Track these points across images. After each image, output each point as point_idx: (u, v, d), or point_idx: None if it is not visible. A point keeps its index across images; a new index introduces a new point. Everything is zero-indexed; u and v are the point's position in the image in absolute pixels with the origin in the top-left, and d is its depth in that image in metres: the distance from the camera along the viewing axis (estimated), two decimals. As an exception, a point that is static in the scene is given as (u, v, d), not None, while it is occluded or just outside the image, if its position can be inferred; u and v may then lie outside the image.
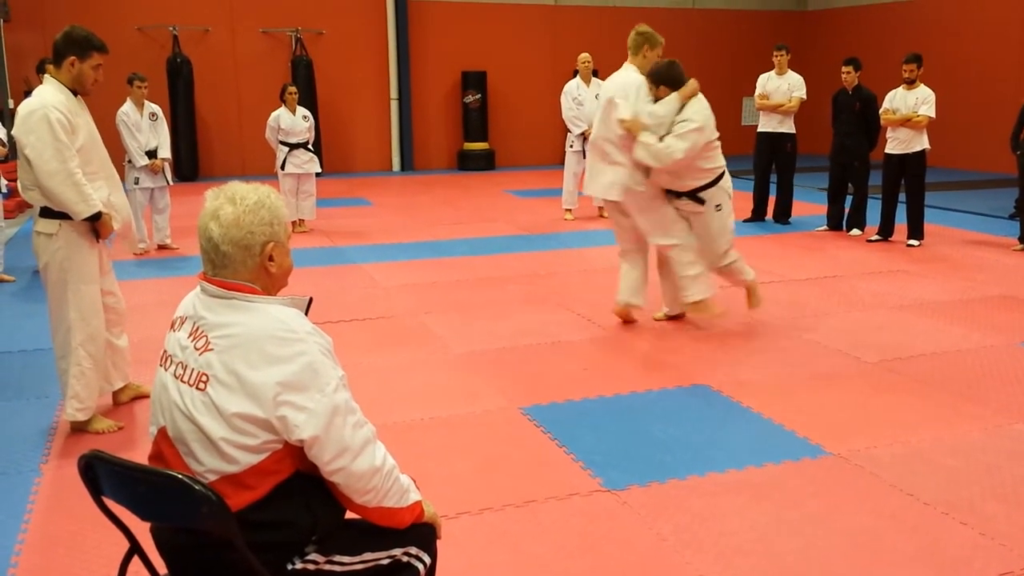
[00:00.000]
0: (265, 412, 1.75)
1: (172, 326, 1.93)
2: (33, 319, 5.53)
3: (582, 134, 9.44)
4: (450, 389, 4.43)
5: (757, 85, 9.28)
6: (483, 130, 15.18)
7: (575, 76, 9.72)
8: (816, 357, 4.88)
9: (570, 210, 9.71)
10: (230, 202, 1.85)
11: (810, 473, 3.45)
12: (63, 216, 3.73)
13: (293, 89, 8.95)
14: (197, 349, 1.81)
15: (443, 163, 15.47)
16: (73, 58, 3.71)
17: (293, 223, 8.67)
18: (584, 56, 9.54)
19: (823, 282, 6.66)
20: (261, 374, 1.75)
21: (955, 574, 2.73)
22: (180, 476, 1.68)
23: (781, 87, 9.06)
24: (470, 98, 14.96)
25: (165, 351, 1.91)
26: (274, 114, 8.90)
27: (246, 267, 1.85)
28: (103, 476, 1.79)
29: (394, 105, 14.93)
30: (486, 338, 5.22)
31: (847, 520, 3.07)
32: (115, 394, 4.22)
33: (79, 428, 3.89)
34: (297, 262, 1.98)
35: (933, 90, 7.89)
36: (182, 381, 1.82)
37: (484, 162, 15.19)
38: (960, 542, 2.92)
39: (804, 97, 9.04)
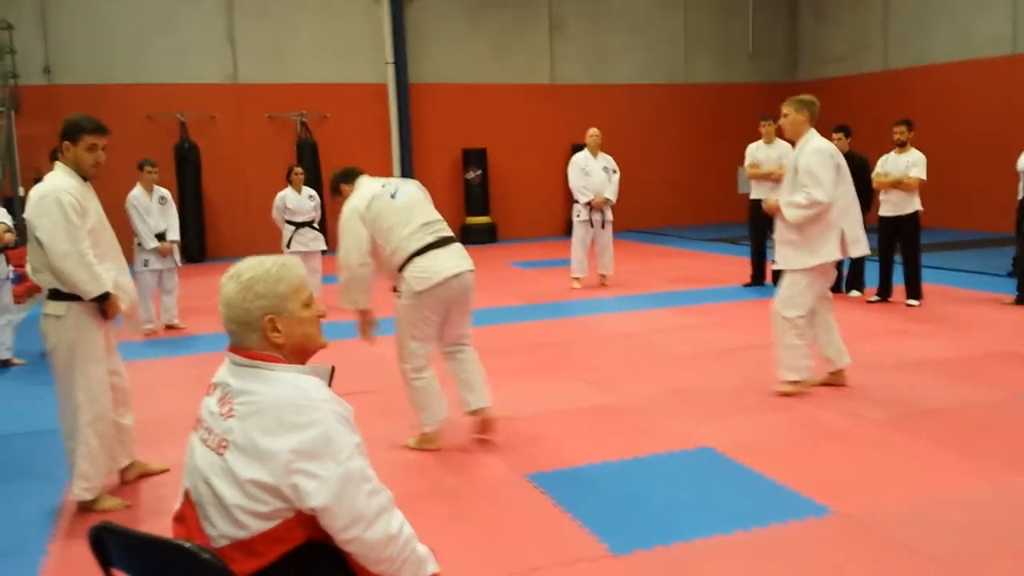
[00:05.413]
0: (276, 479, 1.78)
1: (208, 391, 1.99)
2: (41, 401, 5.56)
3: (588, 203, 9.68)
4: (454, 457, 4.44)
5: (746, 155, 9.50)
6: (484, 204, 15.44)
7: (583, 149, 10.01)
8: (820, 417, 4.90)
9: (578, 279, 9.85)
10: (232, 279, 1.92)
11: (816, 532, 3.44)
12: (72, 298, 3.80)
13: (299, 170, 9.17)
14: (222, 415, 1.87)
15: (446, 238, 15.63)
16: (67, 143, 3.85)
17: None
18: (593, 130, 9.89)
19: (824, 344, 6.68)
20: (276, 441, 1.79)
21: (965, 630, 2.71)
22: (186, 545, 1.71)
23: (771, 155, 9.25)
24: (471, 174, 15.27)
25: (199, 415, 1.97)
26: (280, 194, 9.10)
27: (253, 340, 1.91)
28: (112, 547, 1.82)
29: (397, 183, 15.18)
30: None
31: (854, 579, 3.05)
32: (122, 472, 4.24)
33: (86, 508, 3.90)
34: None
35: (924, 153, 8.07)
36: (207, 445, 1.87)
37: (486, 235, 15.40)
38: (969, 598, 2.90)
39: None
